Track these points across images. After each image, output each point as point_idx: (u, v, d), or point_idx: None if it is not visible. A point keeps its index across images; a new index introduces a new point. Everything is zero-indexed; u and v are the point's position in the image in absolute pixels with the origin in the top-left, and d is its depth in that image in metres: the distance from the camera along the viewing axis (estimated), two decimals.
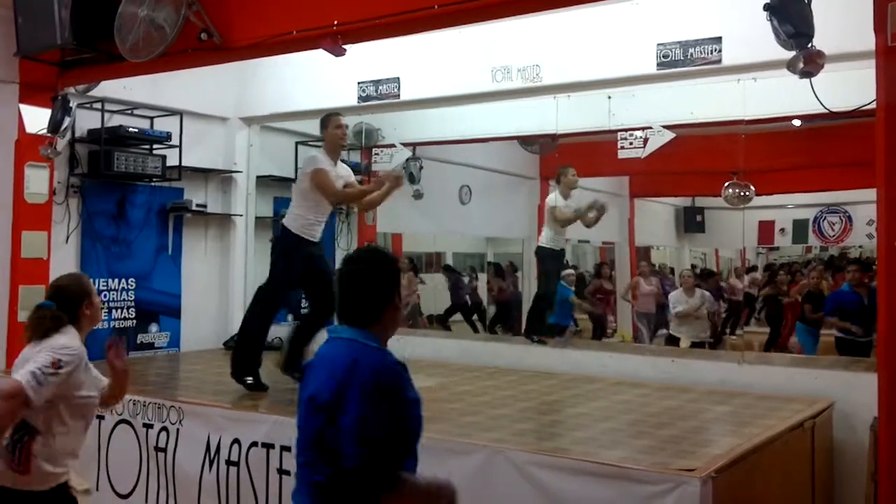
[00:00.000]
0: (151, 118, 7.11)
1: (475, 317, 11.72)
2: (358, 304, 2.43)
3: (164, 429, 4.90)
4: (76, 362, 3.15)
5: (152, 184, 7.13)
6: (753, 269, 13.52)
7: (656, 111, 6.67)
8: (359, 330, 2.40)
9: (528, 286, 10.22)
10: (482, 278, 12.28)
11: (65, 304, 3.33)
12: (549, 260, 7.43)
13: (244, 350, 5.40)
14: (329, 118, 5.54)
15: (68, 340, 3.21)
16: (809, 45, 3.52)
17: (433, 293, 11.75)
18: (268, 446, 4.45)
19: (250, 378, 5.30)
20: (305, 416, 2.43)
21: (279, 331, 7.67)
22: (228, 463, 4.59)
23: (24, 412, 3.03)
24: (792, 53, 3.57)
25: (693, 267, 12.93)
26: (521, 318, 9.91)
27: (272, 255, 5.57)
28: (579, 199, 7.58)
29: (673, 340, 8.75)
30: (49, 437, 3.16)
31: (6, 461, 3.12)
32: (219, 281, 7.79)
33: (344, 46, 4.75)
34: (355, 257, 2.57)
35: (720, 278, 12.27)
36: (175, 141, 7.05)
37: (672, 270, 13.53)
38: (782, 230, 13.61)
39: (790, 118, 7.13)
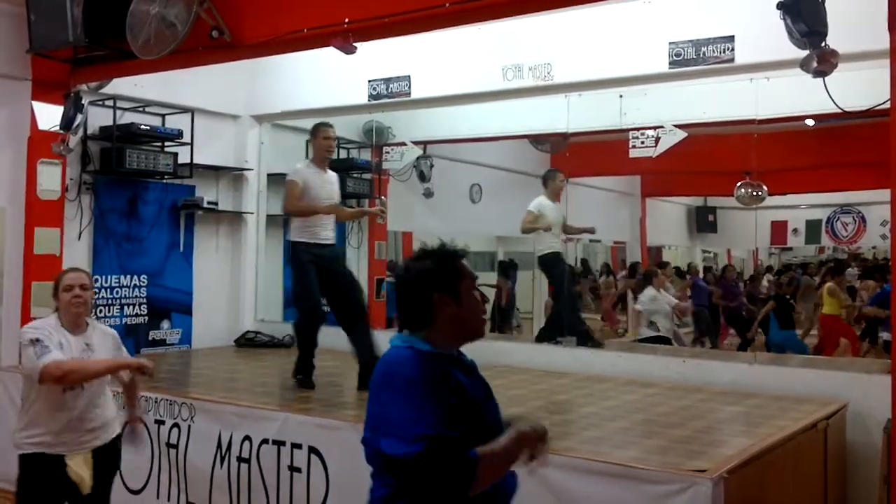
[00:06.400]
0: (163, 115, 7.13)
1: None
2: (402, 311, 2.32)
3: (176, 425, 4.92)
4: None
5: (164, 181, 7.14)
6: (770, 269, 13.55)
7: (668, 110, 6.63)
8: (406, 335, 2.28)
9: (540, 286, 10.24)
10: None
11: None
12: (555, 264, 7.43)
13: (299, 353, 5.70)
14: (318, 128, 5.76)
15: None
16: (823, 44, 3.50)
17: None
18: (279, 443, 4.46)
19: (300, 376, 5.59)
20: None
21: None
22: (239, 460, 4.61)
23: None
24: (805, 52, 3.55)
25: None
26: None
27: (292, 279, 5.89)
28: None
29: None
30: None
31: None
32: (230, 278, 7.81)
33: (355, 44, 4.76)
34: (403, 265, 2.45)
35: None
36: (186, 138, 7.06)
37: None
38: (795, 230, 13.55)
39: (803, 118, 7.09)
